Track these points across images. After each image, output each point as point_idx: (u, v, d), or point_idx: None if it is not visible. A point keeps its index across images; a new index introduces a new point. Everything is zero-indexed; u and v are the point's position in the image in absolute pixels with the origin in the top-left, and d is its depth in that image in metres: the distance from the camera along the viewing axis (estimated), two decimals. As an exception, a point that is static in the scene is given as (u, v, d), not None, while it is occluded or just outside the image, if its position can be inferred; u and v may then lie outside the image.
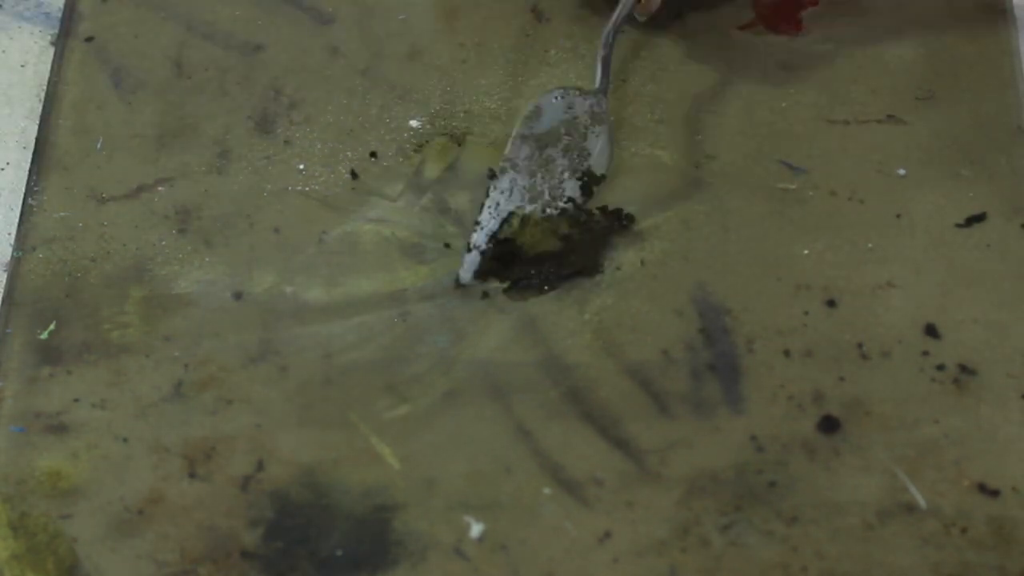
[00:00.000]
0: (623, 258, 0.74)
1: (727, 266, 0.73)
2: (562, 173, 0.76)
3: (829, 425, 0.68)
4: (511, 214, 0.74)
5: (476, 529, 0.66)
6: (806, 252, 0.73)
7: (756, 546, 0.65)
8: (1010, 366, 0.69)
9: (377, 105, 0.80)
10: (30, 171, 0.78)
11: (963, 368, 0.69)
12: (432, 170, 0.77)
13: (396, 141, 0.79)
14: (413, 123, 0.79)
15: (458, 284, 0.73)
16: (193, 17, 0.84)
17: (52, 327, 0.72)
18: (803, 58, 0.80)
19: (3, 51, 0.83)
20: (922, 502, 0.66)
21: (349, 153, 0.78)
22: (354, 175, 0.77)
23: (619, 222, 0.74)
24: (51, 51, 0.83)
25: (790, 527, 0.65)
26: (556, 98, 0.78)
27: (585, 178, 0.75)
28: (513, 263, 0.73)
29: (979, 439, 0.67)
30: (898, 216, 0.74)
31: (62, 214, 0.76)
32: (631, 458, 0.68)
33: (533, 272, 0.73)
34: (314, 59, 0.82)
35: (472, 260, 0.73)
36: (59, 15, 0.84)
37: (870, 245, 0.73)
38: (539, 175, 0.75)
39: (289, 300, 0.73)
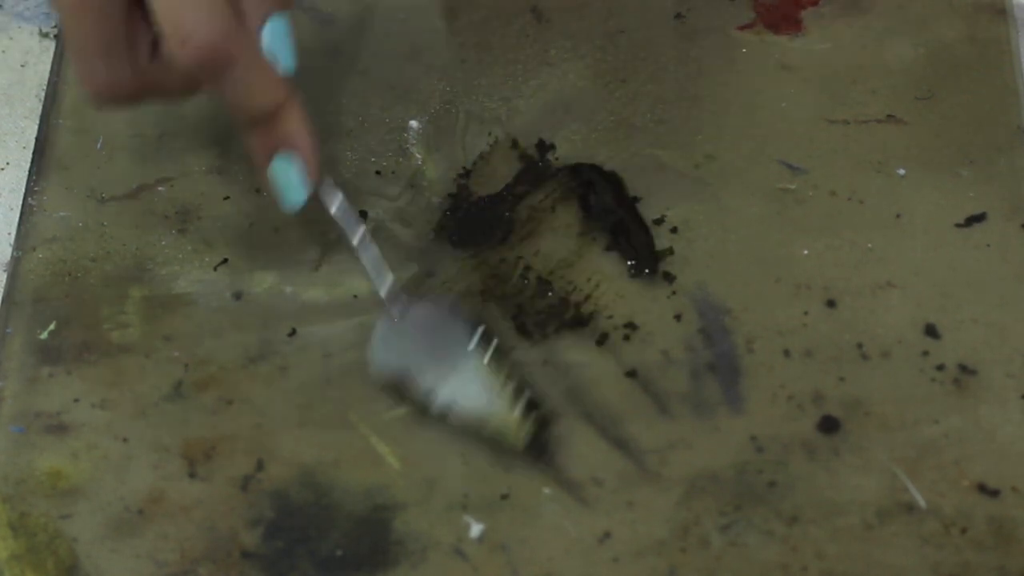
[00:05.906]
0: (623, 258, 0.73)
1: (727, 266, 0.73)
2: None
3: (829, 425, 0.68)
4: None
5: (476, 529, 0.66)
6: (806, 252, 0.73)
7: (756, 546, 0.65)
8: (1010, 366, 0.69)
9: (377, 105, 0.80)
10: (30, 171, 0.78)
11: (963, 368, 0.69)
12: (432, 170, 0.77)
13: (396, 141, 0.79)
14: (413, 123, 0.79)
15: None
16: (193, 17, 0.84)
17: (52, 327, 0.72)
18: (803, 58, 0.80)
19: (3, 51, 0.83)
20: (922, 502, 0.66)
21: (349, 153, 0.78)
22: (356, 175, 0.77)
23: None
24: (51, 51, 0.83)
25: (790, 527, 0.65)
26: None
27: None
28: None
29: (979, 439, 0.67)
30: (898, 216, 0.74)
31: (62, 214, 0.76)
32: (631, 458, 0.67)
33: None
34: (314, 59, 0.82)
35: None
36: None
37: (870, 245, 0.73)
38: None
39: (289, 300, 0.73)
